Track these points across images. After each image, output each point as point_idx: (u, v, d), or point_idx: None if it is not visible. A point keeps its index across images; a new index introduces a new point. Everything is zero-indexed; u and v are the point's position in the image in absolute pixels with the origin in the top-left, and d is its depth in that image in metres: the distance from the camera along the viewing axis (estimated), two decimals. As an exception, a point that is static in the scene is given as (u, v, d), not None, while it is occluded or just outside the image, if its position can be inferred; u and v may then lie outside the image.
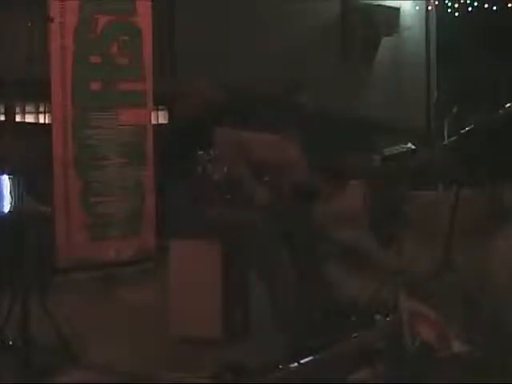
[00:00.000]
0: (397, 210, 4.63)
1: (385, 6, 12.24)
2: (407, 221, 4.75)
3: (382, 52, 12.54)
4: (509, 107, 5.37)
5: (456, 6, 12.46)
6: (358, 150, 8.21)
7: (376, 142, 8.21)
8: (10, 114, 7.33)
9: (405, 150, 4.74)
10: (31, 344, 3.78)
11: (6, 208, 4.40)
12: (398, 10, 12.40)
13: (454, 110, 6.02)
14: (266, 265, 4.10)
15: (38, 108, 8.35)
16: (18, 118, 8.01)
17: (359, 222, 5.98)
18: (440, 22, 13.17)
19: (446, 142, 5.83)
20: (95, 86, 5.97)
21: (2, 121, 7.61)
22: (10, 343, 3.87)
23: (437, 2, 12.86)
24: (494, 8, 12.21)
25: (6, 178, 4.43)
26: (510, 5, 11.92)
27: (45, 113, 8.10)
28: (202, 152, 4.38)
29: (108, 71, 6.01)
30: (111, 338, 4.33)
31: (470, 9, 12.39)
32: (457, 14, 12.57)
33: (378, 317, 4.02)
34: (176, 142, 4.48)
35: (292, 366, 3.38)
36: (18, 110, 8.01)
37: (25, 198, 4.23)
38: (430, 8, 13.03)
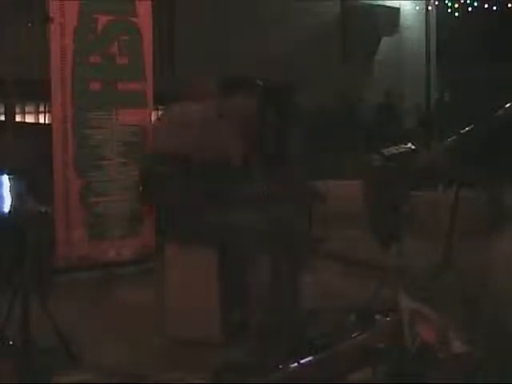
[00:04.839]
0: (397, 210, 4.63)
1: (385, 6, 12.27)
2: (407, 221, 4.75)
3: (382, 52, 12.55)
4: (509, 107, 5.37)
5: (456, 5, 12.48)
6: (358, 150, 8.22)
7: (375, 142, 8.21)
8: (9, 114, 7.33)
9: (405, 150, 4.74)
10: (31, 344, 3.78)
11: (6, 208, 4.39)
12: (398, 9, 12.43)
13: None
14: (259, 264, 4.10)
15: (38, 108, 8.36)
16: (17, 118, 8.01)
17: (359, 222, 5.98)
18: (440, 22, 13.19)
19: (446, 141, 5.82)
20: (95, 85, 5.96)
21: (2, 121, 7.61)
22: (10, 343, 3.87)
23: (437, 2, 12.88)
24: (494, 8, 12.23)
25: (5, 177, 4.42)
26: (510, 5, 11.93)
27: (45, 113, 8.11)
28: None
29: (108, 71, 6.01)
30: (110, 339, 4.33)
31: (469, 9, 12.40)
32: (457, 14, 12.58)
33: (377, 317, 4.02)
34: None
35: (292, 365, 3.37)
36: (18, 109, 8.02)
37: (25, 198, 4.23)
38: (429, 8, 13.05)
